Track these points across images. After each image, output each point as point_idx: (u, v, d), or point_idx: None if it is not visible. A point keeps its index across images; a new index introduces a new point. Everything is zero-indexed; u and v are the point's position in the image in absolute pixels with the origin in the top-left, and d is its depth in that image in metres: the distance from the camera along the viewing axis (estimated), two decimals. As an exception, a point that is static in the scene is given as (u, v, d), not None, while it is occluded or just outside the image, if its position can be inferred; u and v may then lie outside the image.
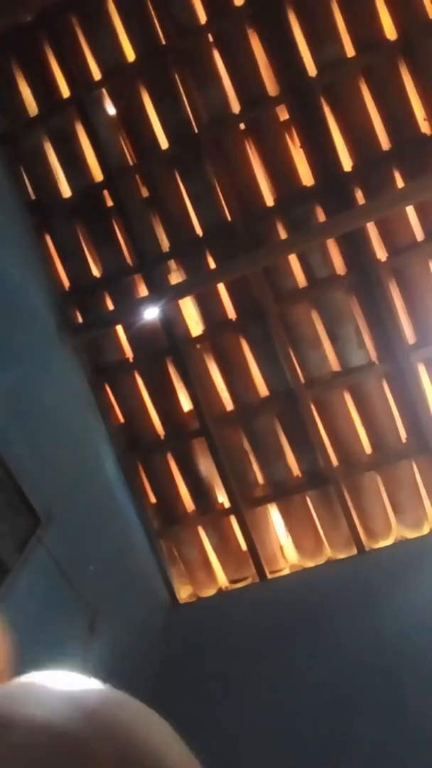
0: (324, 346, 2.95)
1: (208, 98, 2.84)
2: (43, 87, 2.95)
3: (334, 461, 3.00)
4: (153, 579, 3.12)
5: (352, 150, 2.80)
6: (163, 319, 2.96)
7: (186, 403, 3.09)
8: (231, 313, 3.01)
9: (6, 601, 1.94)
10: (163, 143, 2.92)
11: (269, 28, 2.77)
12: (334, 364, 2.97)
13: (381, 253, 2.85)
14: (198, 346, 3.05)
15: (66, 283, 3.08)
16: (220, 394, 3.08)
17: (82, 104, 2.90)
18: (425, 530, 3.02)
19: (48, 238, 3.05)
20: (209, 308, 3.01)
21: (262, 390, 3.04)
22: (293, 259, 2.91)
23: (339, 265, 2.91)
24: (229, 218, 2.88)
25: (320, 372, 2.96)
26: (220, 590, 3.22)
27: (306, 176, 2.85)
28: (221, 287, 2.99)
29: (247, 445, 3.09)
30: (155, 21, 2.84)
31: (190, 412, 3.08)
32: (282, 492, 3.07)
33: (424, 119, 2.74)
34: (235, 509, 3.08)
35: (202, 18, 2.82)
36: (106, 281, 3.04)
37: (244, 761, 2.08)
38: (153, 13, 2.84)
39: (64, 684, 0.38)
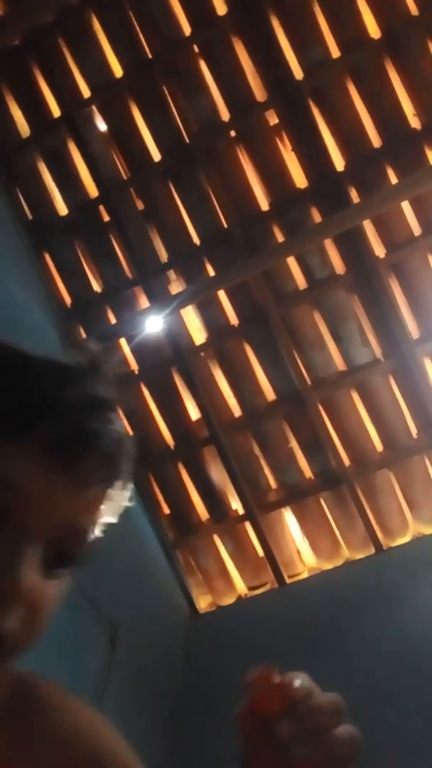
0: (328, 346, 2.95)
1: (197, 108, 2.86)
2: (34, 108, 2.98)
3: (346, 461, 2.99)
4: (171, 590, 3.11)
5: (343, 149, 2.81)
6: (165, 330, 2.97)
7: (194, 412, 3.09)
8: (233, 319, 3.01)
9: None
10: (156, 155, 2.94)
11: (253, 35, 2.80)
12: (340, 364, 2.96)
13: (379, 250, 2.85)
14: (202, 354, 3.05)
15: (68, 299, 3.09)
16: (227, 401, 3.08)
17: (73, 122, 2.93)
18: (442, 525, 3.00)
19: (47, 257, 3.08)
20: (211, 316, 3.02)
21: (269, 394, 3.03)
22: (292, 262, 2.91)
23: (338, 264, 2.91)
24: (226, 225, 2.89)
25: (326, 372, 2.96)
26: (239, 598, 3.21)
27: (299, 178, 2.86)
28: (222, 294, 2.99)
29: (257, 450, 3.08)
30: (140, 35, 2.87)
31: (198, 420, 3.08)
32: (295, 495, 3.06)
33: (414, 114, 2.75)
34: (249, 515, 3.06)
35: (187, 30, 2.85)
36: (107, 295, 3.05)
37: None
38: (138, 28, 2.87)
39: None
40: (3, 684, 0.55)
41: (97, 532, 0.48)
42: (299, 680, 0.49)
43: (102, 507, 0.47)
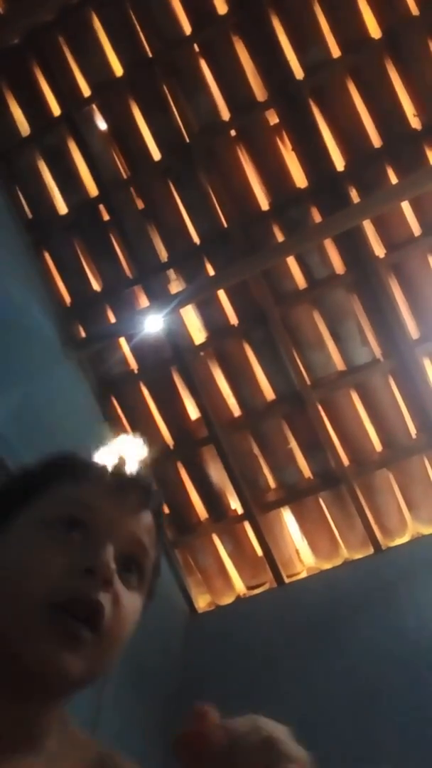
0: (328, 346, 2.95)
1: (197, 107, 2.86)
2: (34, 106, 2.98)
3: (345, 461, 2.99)
4: (170, 590, 3.11)
5: (343, 149, 2.81)
6: (165, 329, 2.97)
7: (193, 411, 3.09)
8: (233, 319, 3.01)
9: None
10: (156, 154, 2.94)
11: (254, 35, 2.80)
12: (339, 364, 2.96)
13: (379, 250, 2.85)
14: (202, 353, 3.05)
15: (67, 298, 3.09)
16: (227, 401, 3.08)
17: (73, 121, 2.93)
18: (441, 525, 3.00)
19: (47, 256, 3.07)
20: (211, 315, 3.02)
21: (269, 394, 3.03)
22: (291, 261, 2.91)
23: (338, 264, 2.91)
24: (225, 224, 2.89)
25: (325, 372, 2.96)
26: (238, 597, 3.21)
27: (299, 178, 2.86)
28: (221, 293, 2.99)
29: (256, 450, 3.08)
30: (141, 35, 2.87)
31: (197, 419, 3.08)
32: (294, 495, 3.06)
33: (414, 114, 2.75)
34: (248, 515, 3.07)
35: (187, 29, 2.85)
36: (106, 294, 3.05)
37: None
38: (138, 27, 2.87)
39: None
40: (91, 748, 0.64)
41: (154, 552, 0.65)
42: (236, 724, 0.57)
43: (152, 533, 0.65)
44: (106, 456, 0.70)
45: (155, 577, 0.67)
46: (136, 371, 3.11)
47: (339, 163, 2.81)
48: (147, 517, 0.65)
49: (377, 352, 2.93)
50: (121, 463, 0.68)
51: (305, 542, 3.16)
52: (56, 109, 2.96)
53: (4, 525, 0.61)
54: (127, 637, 0.60)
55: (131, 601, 0.61)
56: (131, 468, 0.68)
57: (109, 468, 0.67)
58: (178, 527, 3.19)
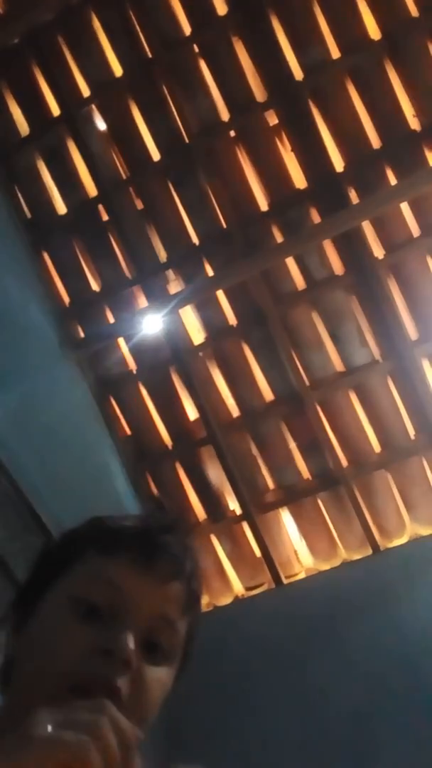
0: (326, 346, 2.95)
1: (196, 108, 2.86)
2: (33, 106, 2.98)
3: (344, 462, 2.99)
4: (168, 590, 3.10)
5: (343, 150, 2.81)
6: (164, 329, 2.97)
7: (192, 412, 3.09)
8: (231, 320, 3.01)
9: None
10: (155, 155, 2.94)
11: (253, 35, 2.80)
12: (338, 365, 2.96)
13: (378, 251, 2.85)
14: (200, 354, 3.05)
15: (66, 298, 3.09)
16: (226, 401, 3.08)
17: (72, 121, 2.93)
18: (439, 526, 3.00)
19: (46, 255, 3.07)
20: (210, 315, 3.01)
21: (267, 394, 3.03)
22: (291, 262, 2.91)
23: (337, 265, 2.91)
24: (225, 225, 2.89)
25: (324, 373, 2.96)
26: (236, 598, 3.20)
27: (298, 179, 2.86)
28: (220, 294, 2.99)
29: (255, 451, 3.08)
30: (140, 35, 2.87)
31: (196, 420, 3.08)
32: (293, 496, 3.06)
33: (413, 115, 2.75)
34: (246, 515, 3.06)
35: (187, 29, 2.85)
36: (105, 294, 3.05)
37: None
38: (138, 27, 2.87)
39: None
40: None
41: (183, 628, 0.64)
42: None
43: (182, 602, 0.64)
44: (136, 521, 0.69)
45: (190, 642, 0.66)
46: (134, 371, 3.11)
47: (338, 163, 2.81)
48: (176, 588, 0.63)
49: (376, 353, 2.93)
50: (151, 530, 0.66)
51: (304, 543, 3.16)
52: (55, 109, 2.96)
53: (34, 603, 0.62)
54: (154, 711, 0.60)
55: (156, 677, 0.60)
56: (162, 535, 0.66)
57: (138, 535, 0.65)
58: (177, 528, 3.19)
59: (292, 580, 3.13)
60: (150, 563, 0.62)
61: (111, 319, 3.05)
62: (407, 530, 3.05)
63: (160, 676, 0.61)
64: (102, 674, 0.55)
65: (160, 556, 0.63)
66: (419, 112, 2.74)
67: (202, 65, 2.85)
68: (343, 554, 3.12)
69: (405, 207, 2.79)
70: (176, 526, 0.69)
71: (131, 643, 0.57)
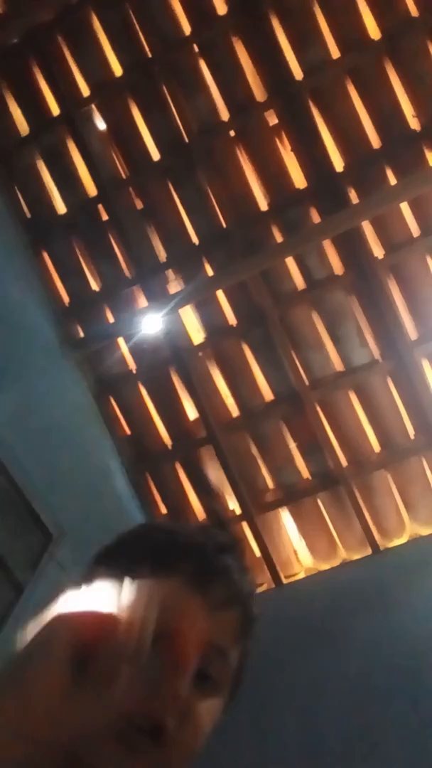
0: (326, 346, 2.95)
1: (196, 108, 2.86)
2: (33, 106, 2.98)
3: (344, 462, 2.99)
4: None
5: (343, 150, 2.81)
6: (164, 329, 2.97)
7: (191, 412, 3.09)
8: (231, 319, 3.01)
9: (22, 619, 1.93)
10: (155, 155, 2.94)
11: (253, 35, 2.80)
12: (338, 365, 2.96)
13: (378, 251, 2.85)
14: (200, 353, 3.05)
15: (65, 298, 3.09)
16: (225, 401, 3.08)
17: (72, 121, 2.93)
18: (439, 526, 3.00)
19: (45, 255, 3.07)
20: (209, 315, 3.01)
21: (267, 394, 3.03)
22: (290, 262, 2.91)
23: (336, 265, 2.91)
24: (224, 225, 2.89)
25: (324, 373, 2.96)
26: (236, 598, 3.20)
27: (298, 179, 2.86)
28: (220, 294, 2.99)
29: (254, 451, 3.08)
30: (140, 35, 2.87)
31: (196, 420, 3.08)
32: (293, 495, 3.06)
33: (413, 115, 2.75)
34: (246, 515, 3.06)
35: (187, 29, 2.85)
36: (105, 294, 3.05)
37: (270, 769, 2.06)
38: (138, 27, 2.87)
39: None
40: None
41: (236, 658, 0.59)
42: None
43: (237, 630, 0.59)
44: (192, 535, 0.64)
45: (242, 670, 0.61)
46: (134, 371, 3.11)
47: (338, 163, 2.81)
48: (231, 614, 0.59)
49: (376, 353, 2.93)
50: (207, 549, 0.61)
51: (303, 543, 3.16)
52: (55, 109, 2.96)
53: None
54: (201, 746, 0.55)
55: (205, 710, 0.56)
56: (220, 555, 0.61)
57: (194, 555, 0.60)
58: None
59: (292, 580, 3.13)
60: (205, 587, 0.58)
61: (111, 319, 3.05)
62: (407, 530, 3.05)
63: (209, 709, 0.56)
64: (147, 708, 0.50)
65: (217, 580, 0.59)
66: (419, 112, 2.74)
67: (202, 65, 2.85)
68: (343, 554, 3.12)
69: (405, 207, 2.79)
70: (235, 545, 0.64)
71: (183, 684, 0.52)
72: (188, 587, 0.57)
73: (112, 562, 0.62)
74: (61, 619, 0.52)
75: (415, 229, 2.81)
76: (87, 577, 0.59)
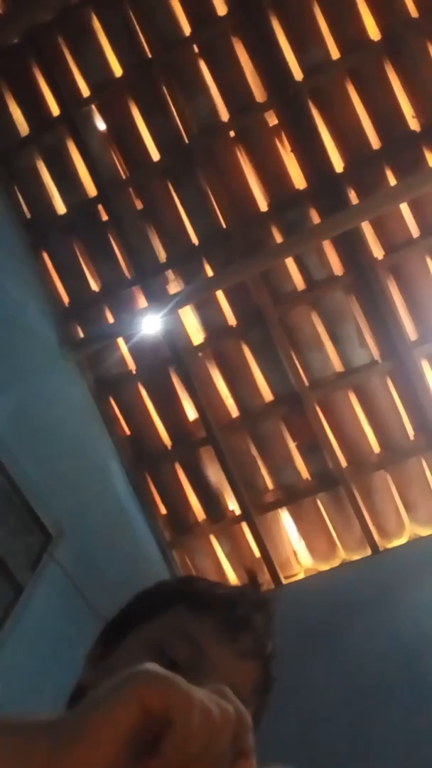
0: (326, 347, 2.95)
1: (196, 108, 2.86)
2: (33, 106, 2.98)
3: (343, 462, 2.99)
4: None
5: (342, 151, 2.81)
6: (163, 330, 2.97)
7: (191, 412, 3.09)
8: (231, 320, 3.01)
9: (22, 619, 1.93)
10: (155, 155, 2.94)
11: (253, 36, 2.80)
12: (337, 365, 2.97)
13: (377, 252, 2.85)
14: (200, 354, 3.05)
15: (65, 298, 3.09)
16: (225, 401, 3.08)
17: (72, 121, 2.93)
18: (438, 527, 3.00)
19: (45, 256, 3.07)
20: (209, 316, 3.02)
21: (267, 395, 3.03)
22: (290, 263, 2.91)
23: (336, 265, 2.91)
24: (224, 225, 2.89)
25: (323, 373, 2.96)
26: (235, 598, 3.20)
27: (298, 179, 2.86)
28: (220, 294, 2.99)
29: (254, 451, 3.08)
30: (140, 35, 2.87)
31: (195, 420, 3.08)
32: (292, 496, 3.06)
33: (413, 116, 2.76)
34: (246, 516, 3.06)
35: (187, 30, 2.85)
36: (104, 295, 3.05)
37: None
38: (137, 27, 2.87)
39: None
40: None
41: (254, 703, 0.61)
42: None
43: (255, 684, 0.62)
44: (229, 590, 0.69)
45: (255, 727, 0.60)
46: (134, 372, 3.11)
47: (338, 164, 2.81)
48: (252, 666, 0.62)
49: (375, 353, 2.93)
50: (241, 602, 0.65)
51: (303, 543, 3.16)
52: (55, 110, 2.96)
53: (115, 642, 0.62)
54: None
55: None
56: (251, 610, 0.65)
57: (228, 604, 0.64)
58: (176, 528, 3.19)
59: (291, 580, 3.13)
60: (233, 633, 0.61)
61: (110, 319, 3.05)
62: (406, 530, 3.05)
63: None
64: None
65: (245, 630, 0.62)
66: (419, 113, 2.74)
67: (202, 65, 2.85)
68: (343, 554, 3.12)
69: (404, 207, 2.79)
70: (266, 606, 0.68)
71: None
72: (218, 628, 0.61)
73: (153, 598, 0.66)
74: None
75: (414, 230, 2.81)
76: (126, 616, 0.65)
